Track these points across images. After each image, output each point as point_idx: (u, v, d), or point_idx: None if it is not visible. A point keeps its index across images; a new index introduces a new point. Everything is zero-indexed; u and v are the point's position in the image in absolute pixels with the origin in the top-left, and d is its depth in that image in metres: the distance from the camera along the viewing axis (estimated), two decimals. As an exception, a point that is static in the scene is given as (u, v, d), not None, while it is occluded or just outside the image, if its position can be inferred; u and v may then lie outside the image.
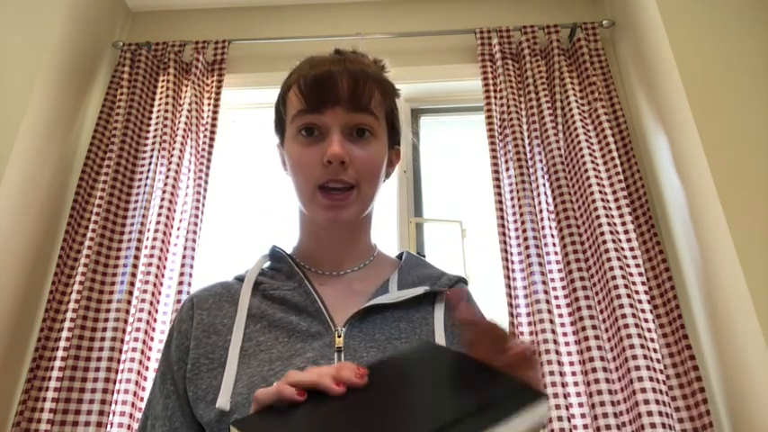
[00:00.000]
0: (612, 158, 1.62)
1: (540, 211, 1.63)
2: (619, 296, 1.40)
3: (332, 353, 0.64)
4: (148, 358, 1.48)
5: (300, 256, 0.78)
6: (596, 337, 1.40)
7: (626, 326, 1.37)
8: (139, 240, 1.60)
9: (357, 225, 0.76)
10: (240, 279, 0.75)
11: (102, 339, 1.48)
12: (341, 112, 0.69)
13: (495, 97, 1.81)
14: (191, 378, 0.66)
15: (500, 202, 1.64)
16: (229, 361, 0.64)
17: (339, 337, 0.65)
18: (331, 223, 0.71)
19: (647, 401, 1.28)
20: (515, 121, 1.71)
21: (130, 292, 1.54)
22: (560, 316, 1.49)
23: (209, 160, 1.76)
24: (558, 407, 1.33)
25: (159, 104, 1.83)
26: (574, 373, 1.42)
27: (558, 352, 1.40)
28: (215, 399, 0.62)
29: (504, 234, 1.60)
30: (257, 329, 0.68)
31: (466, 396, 0.45)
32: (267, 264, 0.78)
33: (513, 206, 1.63)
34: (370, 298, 0.70)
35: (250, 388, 0.61)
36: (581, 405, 1.39)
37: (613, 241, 1.48)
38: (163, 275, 1.59)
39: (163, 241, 1.60)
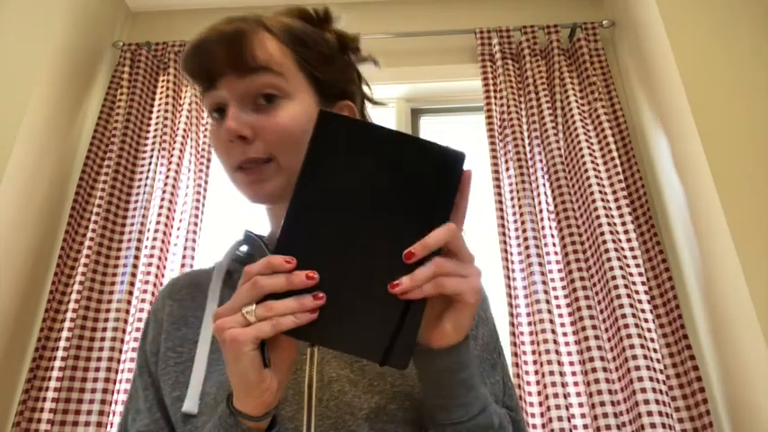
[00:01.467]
0: (612, 158, 1.63)
1: (540, 211, 1.63)
2: (619, 296, 1.40)
3: (305, 345, 0.60)
4: (148, 358, 1.48)
5: (271, 240, 0.72)
6: (596, 337, 1.40)
7: (626, 326, 1.37)
8: (139, 240, 1.60)
9: None
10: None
11: (102, 339, 1.48)
12: (232, 80, 0.61)
13: (495, 97, 1.81)
14: (160, 373, 0.63)
15: (500, 202, 1.64)
16: (198, 359, 0.60)
17: None
18: (257, 200, 0.64)
19: (647, 401, 1.28)
20: (515, 121, 1.71)
21: (130, 292, 1.54)
22: (560, 316, 1.49)
23: (209, 160, 1.76)
24: (558, 407, 1.33)
25: (159, 104, 1.83)
26: (574, 373, 1.42)
27: (558, 352, 1.40)
28: (180, 396, 0.59)
29: (504, 234, 1.60)
30: None
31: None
32: (244, 248, 0.73)
33: (513, 206, 1.63)
34: None
35: (218, 388, 0.58)
36: (581, 405, 1.39)
37: (613, 241, 1.48)
38: (163, 275, 1.59)
39: (163, 241, 1.60)
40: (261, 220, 0.76)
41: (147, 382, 0.65)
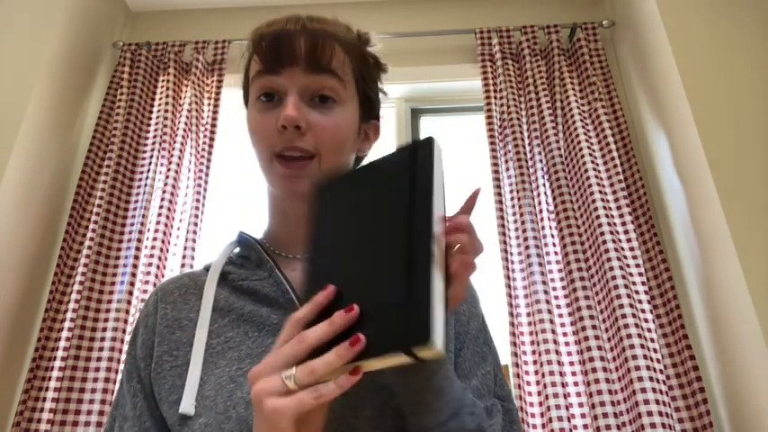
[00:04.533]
0: (612, 158, 1.62)
1: (540, 211, 1.63)
2: (619, 296, 1.40)
3: None
4: (148, 358, 1.48)
5: (270, 240, 0.73)
6: (596, 337, 1.40)
7: (626, 326, 1.37)
8: (139, 240, 1.60)
9: None
10: (209, 269, 0.71)
11: (102, 339, 1.48)
12: (299, 73, 0.64)
13: (495, 97, 1.81)
14: (155, 377, 0.62)
15: (500, 202, 1.64)
16: (193, 361, 0.60)
17: None
18: (290, 195, 0.66)
19: (647, 401, 1.28)
20: (515, 121, 1.71)
21: (130, 293, 1.54)
22: (560, 316, 1.49)
23: (209, 160, 1.76)
24: (558, 407, 1.33)
25: (159, 104, 1.83)
26: (574, 373, 1.42)
27: (558, 352, 1.40)
28: (178, 399, 0.58)
29: (504, 234, 1.60)
30: (225, 324, 0.63)
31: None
32: (237, 250, 0.74)
33: (513, 206, 1.63)
34: None
35: (217, 390, 0.58)
36: (581, 405, 1.39)
37: (613, 241, 1.48)
38: (163, 275, 1.59)
39: (163, 241, 1.60)
40: (255, 222, 0.76)
41: (137, 388, 0.63)
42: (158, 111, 1.82)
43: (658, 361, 1.38)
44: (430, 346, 0.40)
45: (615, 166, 1.61)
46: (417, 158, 0.48)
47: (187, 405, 0.57)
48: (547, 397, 1.35)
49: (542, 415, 1.36)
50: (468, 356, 0.65)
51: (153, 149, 1.75)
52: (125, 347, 1.48)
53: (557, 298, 1.52)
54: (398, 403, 0.56)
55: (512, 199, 1.64)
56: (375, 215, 0.49)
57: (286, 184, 0.65)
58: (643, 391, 1.29)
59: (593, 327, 1.41)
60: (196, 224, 1.63)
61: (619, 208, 1.57)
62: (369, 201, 0.50)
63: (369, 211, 0.49)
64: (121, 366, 1.45)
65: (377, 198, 0.49)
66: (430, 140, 0.49)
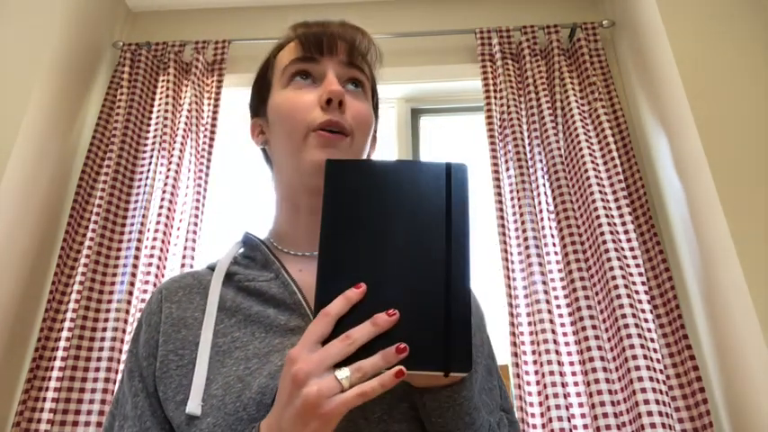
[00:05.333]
0: (612, 158, 1.63)
1: (540, 211, 1.63)
2: (619, 296, 1.40)
3: None
4: (148, 358, 1.48)
5: (277, 238, 0.73)
6: (596, 337, 1.40)
7: (626, 326, 1.37)
8: (139, 240, 1.60)
9: None
10: (212, 268, 0.70)
11: (102, 339, 1.48)
12: (336, 62, 0.70)
13: (495, 97, 1.81)
14: (160, 377, 0.61)
15: (500, 202, 1.64)
16: (199, 361, 0.60)
17: None
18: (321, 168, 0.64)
19: (647, 401, 1.28)
20: (515, 121, 1.71)
21: (130, 293, 1.54)
22: (560, 316, 1.49)
23: (209, 160, 1.76)
24: (558, 407, 1.33)
25: (159, 104, 1.83)
26: (574, 373, 1.42)
27: (558, 352, 1.40)
28: (185, 399, 0.58)
29: (504, 234, 1.60)
30: (232, 324, 0.63)
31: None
32: (241, 250, 0.73)
33: (513, 206, 1.63)
34: None
35: (225, 390, 0.57)
36: (581, 405, 1.39)
37: (613, 241, 1.48)
38: (163, 275, 1.59)
39: (163, 241, 1.60)
40: (258, 222, 0.77)
41: (138, 387, 0.63)
42: (158, 111, 1.82)
43: (658, 361, 1.38)
44: (468, 371, 0.47)
45: (615, 166, 1.61)
46: (453, 184, 0.51)
47: (194, 405, 0.57)
48: (547, 397, 1.35)
49: (542, 415, 1.36)
50: (478, 370, 0.66)
51: (153, 149, 1.75)
52: (125, 347, 1.48)
53: (557, 298, 1.52)
54: (408, 407, 0.56)
55: (512, 199, 1.64)
56: (407, 220, 0.50)
57: (322, 153, 0.65)
58: (643, 391, 1.29)
59: (594, 327, 1.41)
60: (196, 224, 1.63)
61: (619, 208, 1.57)
62: (399, 201, 0.51)
63: (399, 212, 0.50)
64: (122, 366, 1.45)
65: (409, 203, 0.51)
66: (464, 168, 0.52)
